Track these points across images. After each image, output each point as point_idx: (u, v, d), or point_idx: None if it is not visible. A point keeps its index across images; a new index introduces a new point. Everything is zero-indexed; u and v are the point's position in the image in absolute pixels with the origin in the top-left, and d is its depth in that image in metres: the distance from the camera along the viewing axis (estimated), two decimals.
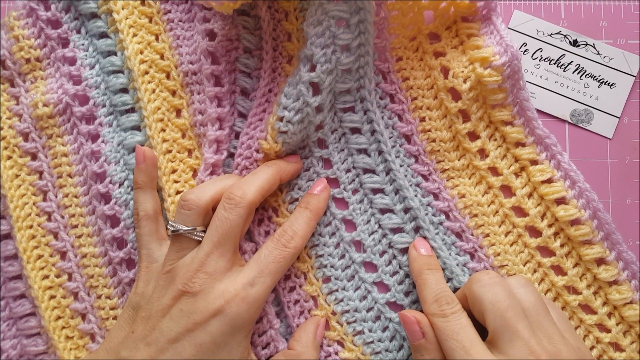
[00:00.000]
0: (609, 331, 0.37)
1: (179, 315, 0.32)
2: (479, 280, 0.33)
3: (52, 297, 0.39)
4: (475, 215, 0.38)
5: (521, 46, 0.40)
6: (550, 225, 0.38)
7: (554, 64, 0.40)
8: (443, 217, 0.38)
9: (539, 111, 0.39)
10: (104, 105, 0.40)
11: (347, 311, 0.37)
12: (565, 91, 0.39)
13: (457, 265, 0.37)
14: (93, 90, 0.40)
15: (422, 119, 0.39)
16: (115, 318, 0.39)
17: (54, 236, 0.40)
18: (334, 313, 0.38)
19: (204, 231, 0.34)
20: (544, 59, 0.40)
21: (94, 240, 0.39)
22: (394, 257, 0.38)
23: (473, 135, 0.38)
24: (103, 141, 0.40)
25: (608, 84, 0.39)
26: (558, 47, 0.40)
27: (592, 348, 0.37)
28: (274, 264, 0.34)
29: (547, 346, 0.30)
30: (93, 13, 0.41)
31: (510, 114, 0.38)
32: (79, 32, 0.41)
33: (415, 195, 0.38)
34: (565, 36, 0.40)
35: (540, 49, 0.40)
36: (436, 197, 0.38)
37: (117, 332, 0.34)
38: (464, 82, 0.37)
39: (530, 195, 0.38)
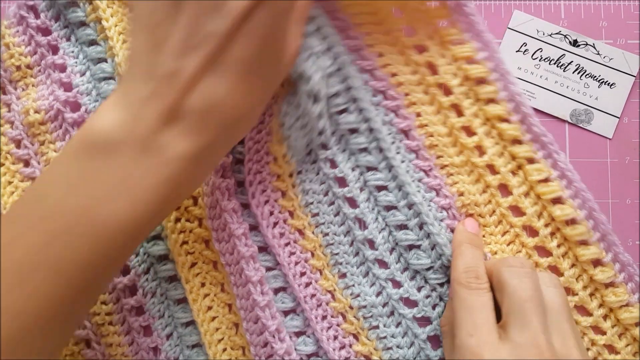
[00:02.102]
0: (604, 333, 0.38)
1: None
2: (511, 265, 0.33)
3: None
4: (471, 215, 0.39)
5: (521, 46, 0.40)
6: (547, 225, 0.38)
7: (554, 64, 0.40)
8: (445, 214, 0.39)
9: (538, 111, 0.40)
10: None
11: (364, 306, 0.39)
12: (565, 91, 0.40)
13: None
14: (84, 97, 0.41)
15: (418, 114, 0.39)
16: (111, 323, 0.39)
17: None
18: (351, 307, 0.39)
19: None
20: (544, 59, 0.40)
21: None
22: (401, 254, 0.39)
23: (469, 131, 0.39)
24: None
25: (608, 84, 0.40)
26: (558, 47, 0.40)
27: (587, 350, 0.38)
28: None
29: (557, 346, 0.30)
30: (82, 21, 0.41)
31: (506, 110, 0.38)
32: (68, 39, 0.42)
33: (418, 191, 0.39)
34: (565, 36, 0.40)
35: (540, 49, 0.40)
36: (437, 193, 0.39)
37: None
38: (453, 77, 0.38)
39: (527, 194, 0.39)
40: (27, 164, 0.41)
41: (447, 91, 0.39)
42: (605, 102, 0.40)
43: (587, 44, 0.40)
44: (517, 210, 0.39)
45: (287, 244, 0.39)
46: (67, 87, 0.41)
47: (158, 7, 0.27)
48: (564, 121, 0.40)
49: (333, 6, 0.38)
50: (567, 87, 0.40)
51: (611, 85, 0.40)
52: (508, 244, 0.39)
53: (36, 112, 0.40)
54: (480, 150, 0.39)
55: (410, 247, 0.39)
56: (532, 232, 0.39)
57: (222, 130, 0.28)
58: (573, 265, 0.38)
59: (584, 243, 0.38)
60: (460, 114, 0.39)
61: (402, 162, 0.39)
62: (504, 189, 0.39)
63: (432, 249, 0.38)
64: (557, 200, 0.38)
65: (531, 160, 0.39)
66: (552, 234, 0.38)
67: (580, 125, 0.40)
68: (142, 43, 0.27)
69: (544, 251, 0.38)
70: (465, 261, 0.35)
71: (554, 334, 0.31)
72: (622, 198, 0.39)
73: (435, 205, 0.39)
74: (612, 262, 0.38)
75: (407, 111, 0.39)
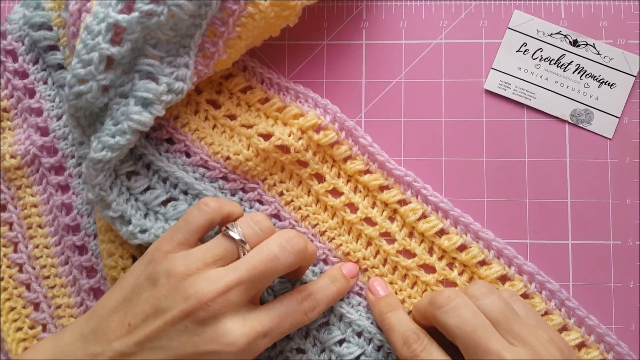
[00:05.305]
0: None
1: (181, 332, 0.31)
2: (440, 306, 0.34)
3: (27, 349, 0.39)
4: (366, 270, 0.40)
5: (521, 46, 0.41)
6: (441, 258, 0.40)
7: (554, 64, 0.41)
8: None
9: (539, 111, 0.41)
10: (72, 157, 0.41)
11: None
12: (565, 91, 0.41)
13: (360, 314, 0.39)
14: (61, 142, 0.42)
15: (281, 194, 0.40)
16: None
17: (27, 287, 0.41)
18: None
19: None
20: (544, 59, 0.41)
21: (68, 290, 0.41)
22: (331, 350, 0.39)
23: (336, 192, 0.41)
24: (74, 193, 0.41)
25: (608, 84, 0.41)
26: (558, 47, 0.41)
27: None
28: (289, 326, 0.34)
29: (520, 351, 0.32)
30: (60, 64, 0.42)
31: (363, 163, 0.40)
32: (45, 83, 0.42)
33: (314, 275, 0.39)
34: (565, 36, 0.41)
35: (540, 49, 0.41)
36: (326, 262, 0.40)
37: (110, 306, 0.33)
38: (306, 151, 0.39)
39: (411, 235, 0.40)
40: (4, 208, 0.41)
41: (303, 163, 0.40)
42: (606, 102, 0.41)
43: (587, 44, 0.41)
44: (408, 253, 0.40)
45: None
46: (44, 131, 0.42)
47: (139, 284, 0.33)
48: (564, 121, 0.41)
49: None
50: (567, 87, 0.41)
51: (611, 85, 0.41)
52: (412, 287, 0.40)
53: (12, 157, 0.41)
54: (352, 207, 0.40)
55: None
56: (430, 269, 0.40)
57: None
58: None
59: (483, 263, 0.40)
60: (321, 179, 0.40)
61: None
62: (388, 236, 0.40)
63: (358, 335, 0.39)
64: (441, 232, 0.40)
65: (404, 202, 0.40)
66: (450, 264, 0.40)
67: (581, 125, 0.41)
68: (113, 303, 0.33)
69: (449, 283, 0.40)
70: (397, 333, 0.36)
71: (512, 339, 0.33)
72: (622, 198, 0.41)
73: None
74: (517, 274, 0.39)
75: (270, 194, 0.40)
